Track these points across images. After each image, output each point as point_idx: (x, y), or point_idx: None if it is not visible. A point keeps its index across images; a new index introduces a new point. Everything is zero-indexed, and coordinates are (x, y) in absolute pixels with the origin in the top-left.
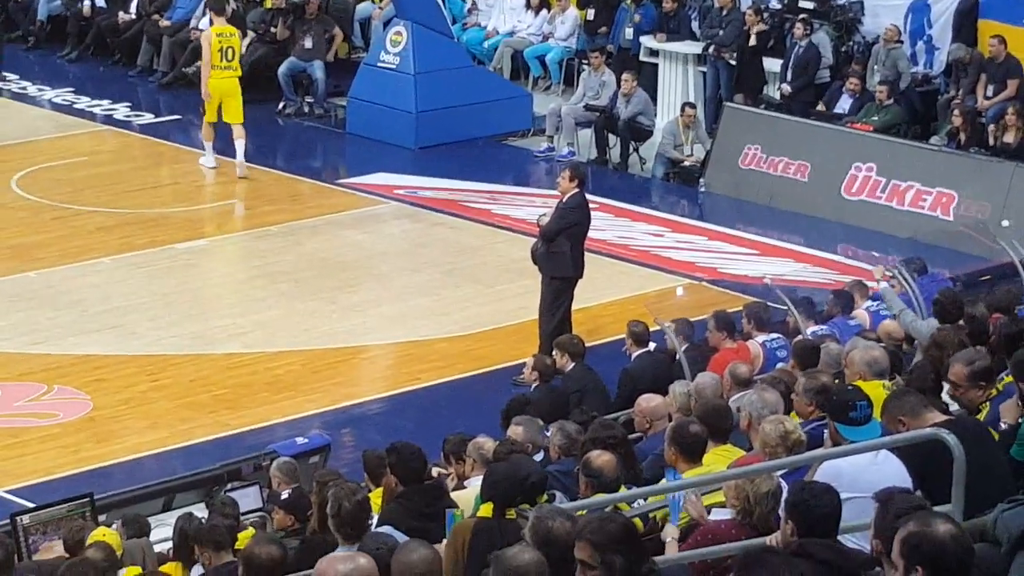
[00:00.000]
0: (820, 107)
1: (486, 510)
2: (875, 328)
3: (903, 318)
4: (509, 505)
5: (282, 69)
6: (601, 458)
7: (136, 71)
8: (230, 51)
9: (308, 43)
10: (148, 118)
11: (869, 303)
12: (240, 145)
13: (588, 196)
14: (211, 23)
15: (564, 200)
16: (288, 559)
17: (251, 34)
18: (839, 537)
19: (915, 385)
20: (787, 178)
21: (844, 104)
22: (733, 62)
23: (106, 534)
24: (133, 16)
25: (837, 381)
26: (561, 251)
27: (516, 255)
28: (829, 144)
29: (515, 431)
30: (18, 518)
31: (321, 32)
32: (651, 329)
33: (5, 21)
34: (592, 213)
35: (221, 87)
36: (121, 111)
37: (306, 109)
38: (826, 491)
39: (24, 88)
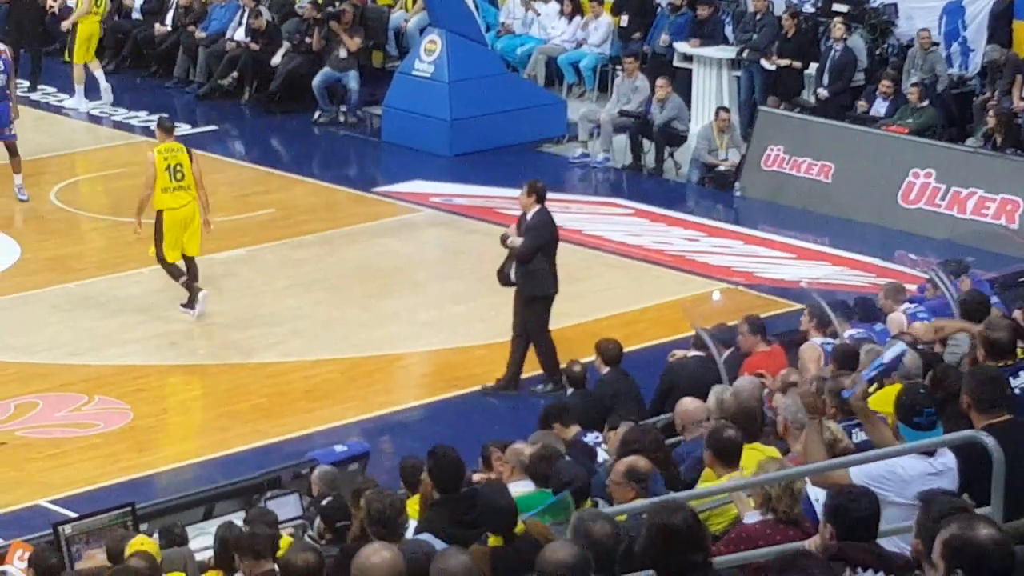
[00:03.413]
0: (858, 110)
1: (495, 541)
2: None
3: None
4: (511, 530)
5: (316, 79)
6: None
7: (172, 82)
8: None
9: (342, 53)
10: (185, 129)
11: (906, 305)
12: (101, 75)
13: (623, 201)
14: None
15: (529, 218)
16: (325, 566)
17: (286, 44)
18: (880, 540)
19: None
20: (820, 181)
21: (879, 107)
22: (768, 66)
23: (144, 542)
24: (169, 28)
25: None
26: (539, 269)
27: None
28: (863, 147)
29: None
30: (61, 528)
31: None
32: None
33: (43, 34)
34: (628, 218)
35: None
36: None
37: (341, 118)
38: (864, 494)
39: (62, 100)
